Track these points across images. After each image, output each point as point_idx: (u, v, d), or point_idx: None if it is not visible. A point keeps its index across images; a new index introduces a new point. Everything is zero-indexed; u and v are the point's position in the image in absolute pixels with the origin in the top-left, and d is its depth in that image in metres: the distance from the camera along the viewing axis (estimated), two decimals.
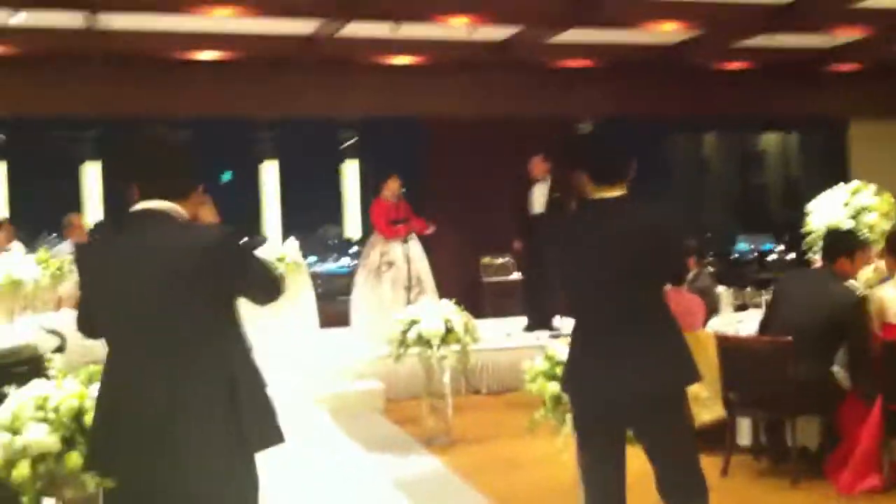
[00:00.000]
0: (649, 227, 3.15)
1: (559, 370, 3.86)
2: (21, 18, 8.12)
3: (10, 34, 8.69)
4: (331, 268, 19.09)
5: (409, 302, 8.58)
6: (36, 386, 3.13)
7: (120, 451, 2.49)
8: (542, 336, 8.92)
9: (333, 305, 11.78)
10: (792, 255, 15.16)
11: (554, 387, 3.84)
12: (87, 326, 2.71)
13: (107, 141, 19.63)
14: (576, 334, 3.28)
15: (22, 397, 3.08)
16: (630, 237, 3.10)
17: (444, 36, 9.40)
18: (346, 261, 19.91)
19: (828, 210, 6.44)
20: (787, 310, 5.28)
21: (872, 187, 6.53)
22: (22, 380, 3.34)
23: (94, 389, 3.10)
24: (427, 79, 10.54)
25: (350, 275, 17.54)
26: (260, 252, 2.76)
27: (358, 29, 8.75)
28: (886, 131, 12.25)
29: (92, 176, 20.32)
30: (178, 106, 10.03)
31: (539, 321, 9.20)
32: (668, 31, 9.34)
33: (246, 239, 2.72)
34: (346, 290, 12.19)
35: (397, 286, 8.82)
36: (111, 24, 8.53)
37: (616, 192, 3.16)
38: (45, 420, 3.01)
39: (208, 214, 2.71)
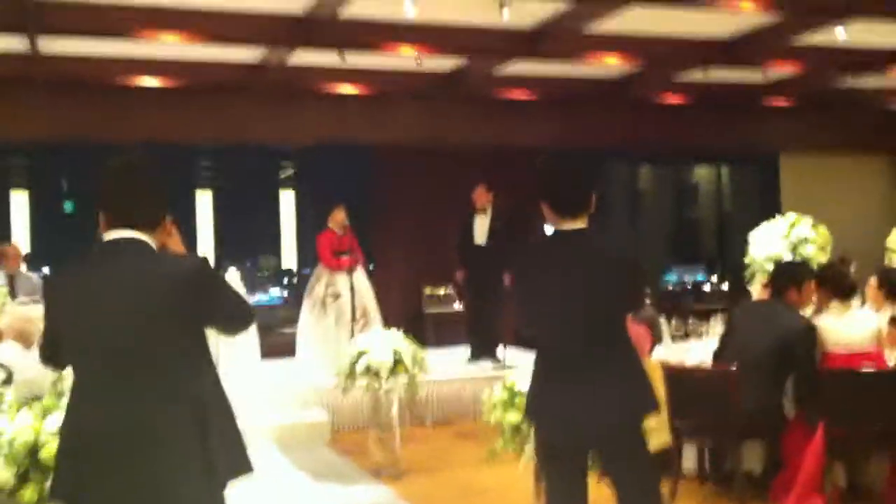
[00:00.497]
0: (613, 260, 3.20)
1: (518, 400, 3.88)
2: None
3: None
4: (263, 299, 18.87)
5: (353, 334, 8.54)
6: None
7: (88, 480, 2.44)
8: (486, 366, 8.95)
9: (272, 337, 11.65)
10: (725, 287, 15.46)
11: (512, 417, 3.85)
12: (52, 356, 2.66)
13: (38, 168, 19.19)
14: (540, 363, 3.29)
15: None
16: (594, 269, 3.15)
17: (392, 66, 9.44)
18: (276, 291, 19.70)
19: (767, 242, 6.59)
20: (741, 339, 5.39)
21: (809, 220, 6.71)
22: None
23: (50, 423, 3.02)
24: (374, 108, 10.56)
25: (284, 306, 17.38)
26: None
27: (305, 57, 8.73)
28: (816, 164, 12.64)
29: (20, 204, 19.82)
30: (119, 131, 9.85)
31: (483, 351, 9.22)
32: (610, 65, 9.52)
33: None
34: (285, 322, 12.06)
35: (342, 318, 8.77)
36: (54, 49, 8.37)
37: (578, 224, 3.20)
38: None
39: (176, 244, 2.68)
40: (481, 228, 9.12)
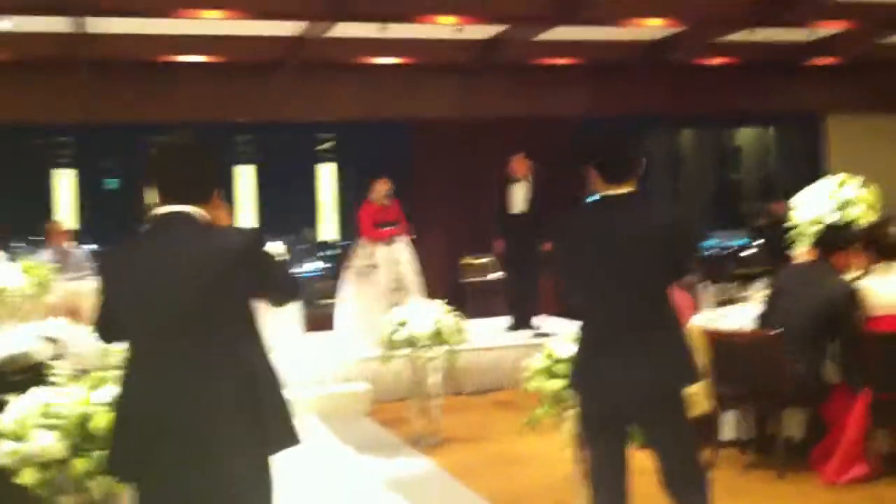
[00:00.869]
0: (662, 225, 3.17)
1: (558, 368, 3.89)
2: (7, 24, 8.04)
3: None
4: (304, 272, 19.04)
5: (392, 305, 8.59)
6: (40, 393, 3.12)
7: (144, 453, 2.50)
8: (525, 335, 8.96)
9: (312, 309, 11.74)
10: (767, 251, 15.24)
11: (553, 384, 3.86)
12: (107, 331, 2.71)
13: (83, 146, 19.47)
14: (585, 331, 3.28)
15: (27, 405, 3.06)
16: (643, 235, 3.12)
17: (430, 35, 9.40)
18: (318, 264, 19.87)
19: (812, 203, 6.47)
20: (786, 303, 5.34)
21: (858, 179, 6.58)
22: (20, 388, 3.32)
23: (99, 396, 3.10)
24: (412, 80, 10.55)
25: (324, 278, 17.51)
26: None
27: (344, 30, 8.73)
28: (863, 126, 12.38)
29: (65, 183, 20.16)
30: (161, 109, 9.97)
31: (522, 320, 9.23)
32: (650, 28, 9.39)
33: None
34: (325, 294, 12.14)
35: (381, 289, 8.82)
36: (97, 29, 8.46)
37: (625, 189, 3.19)
38: (51, 427, 2.99)
39: (225, 218, 2.73)
40: (519, 197, 9.09)
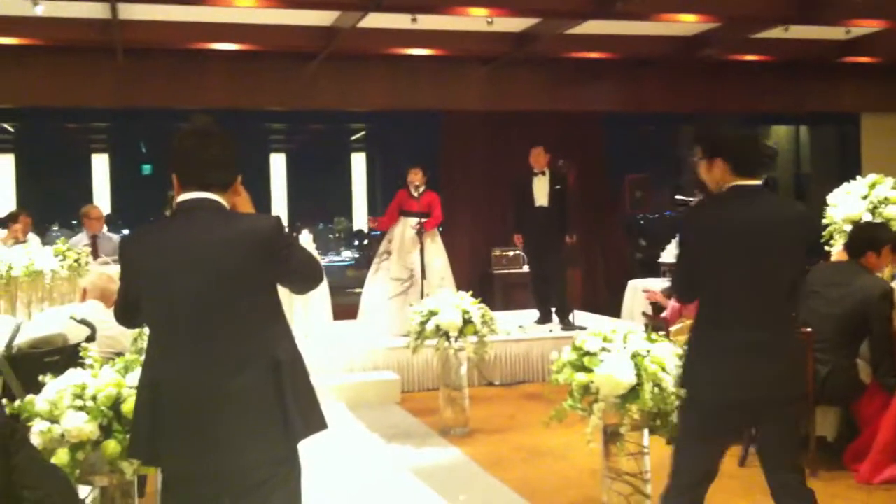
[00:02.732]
0: (794, 218, 3.16)
1: (587, 361, 3.88)
2: (41, 9, 8.13)
3: (28, 25, 8.71)
4: (336, 260, 19.08)
5: (399, 293, 8.62)
6: (73, 375, 3.16)
7: (167, 438, 2.51)
8: (554, 329, 8.95)
9: (343, 297, 11.80)
10: None
11: (581, 377, 3.85)
12: (128, 316, 2.73)
13: (119, 132, 19.67)
14: (709, 324, 3.20)
15: (60, 386, 3.10)
16: (777, 226, 3.11)
17: (462, 27, 9.38)
18: (349, 253, 19.92)
19: (846, 203, 6.41)
20: (815, 302, 5.29)
21: (890, 180, 6.51)
22: (55, 369, 3.37)
23: (132, 378, 3.14)
24: (443, 71, 10.55)
25: (356, 266, 17.57)
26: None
27: (376, 20, 8.74)
28: None
29: (102, 168, 20.37)
30: (194, 96, 10.05)
31: (551, 313, 9.20)
32: (685, 24, 9.32)
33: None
34: (356, 283, 12.18)
35: (390, 276, 8.83)
36: (131, 15, 8.54)
37: (756, 181, 3.17)
38: (83, 409, 3.04)
39: (245, 205, 2.73)
40: (541, 191, 9.02)
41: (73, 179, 20.10)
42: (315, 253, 8.78)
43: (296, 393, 2.53)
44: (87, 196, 18.86)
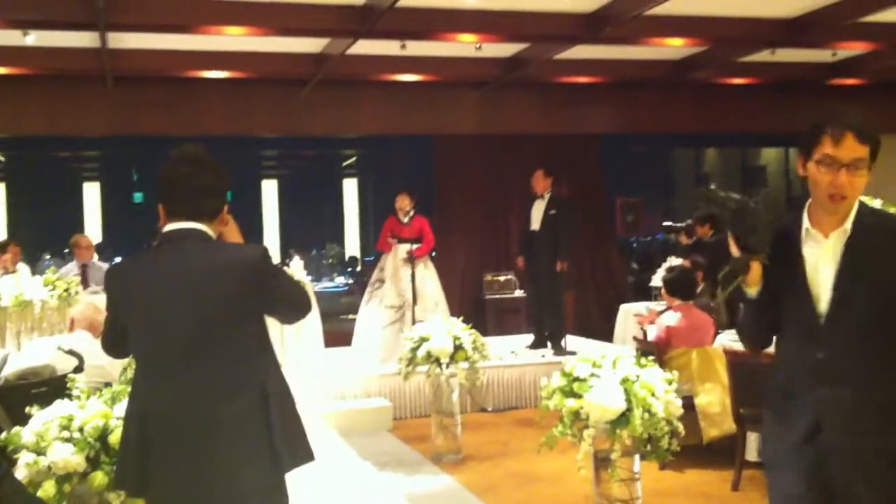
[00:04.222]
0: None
1: (576, 387, 3.88)
2: (31, 38, 8.16)
3: (19, 54, 8.74)
4: (328, 286, 19.07)
5: (394, 321, 8.58)
6: (60, 406, 3.14)
7: (153, 469, 2.50)
8: (547, 354, 8.93)
9: (336, 323, 11.78)
10: None
11: (571, 403, 3.85)
12: (115, 347, 2.72)
13: (110, 160, 19.68)
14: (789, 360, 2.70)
15: (47, 417, 3.08)
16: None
17: (452, 53, 9.44)
18: (341, 280, 19.90)
19: None
20: None
21: (878, 201, 6.53)
22: (42, 400, 3.35)
23: (119, 409, 3.12)
24: (434, 96, 10.59)
25: (349, 293, 17.55)
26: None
27: (366, 47, 8.78)
28: (886, 145, 12.27)
29: (93, 196, 20.36)
30: (185, 124, 10.08)
31: (544, 339, 9.18)
32: (673, 47, 9.39)
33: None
34: (348, 309, 12.18)
35: (384, 304, 8.81)
36: (122, 44, 8.58)
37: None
38: (70, 440, 3.02)
39: (233, 234, 2.71)
40: (537, 214, 9.04)
41: (64, 208, 20.10)
42: (307, 280, 8.78)
43: (283, 424, 2.52)
44: (79, 224, 18.85)
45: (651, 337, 6.32)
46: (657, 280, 9.77)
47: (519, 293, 11.24)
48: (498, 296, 11.56)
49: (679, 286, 6.35)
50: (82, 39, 8.44)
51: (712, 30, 8.80)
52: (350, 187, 22.51)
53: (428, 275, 8.94)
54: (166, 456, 2.48)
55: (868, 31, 9.04)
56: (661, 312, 7.30)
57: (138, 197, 22.33)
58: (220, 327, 2.49)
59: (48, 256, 17.51)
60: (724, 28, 8.78)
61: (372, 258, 20.87)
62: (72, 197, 20.06)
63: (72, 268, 9.00)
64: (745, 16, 8.63)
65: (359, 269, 19.48)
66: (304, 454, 2.56)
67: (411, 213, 8.84)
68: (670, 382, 3.92)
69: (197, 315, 2.48)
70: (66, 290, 7.47)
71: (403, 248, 8.72)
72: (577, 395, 3.85)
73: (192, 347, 2.49)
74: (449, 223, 11.56)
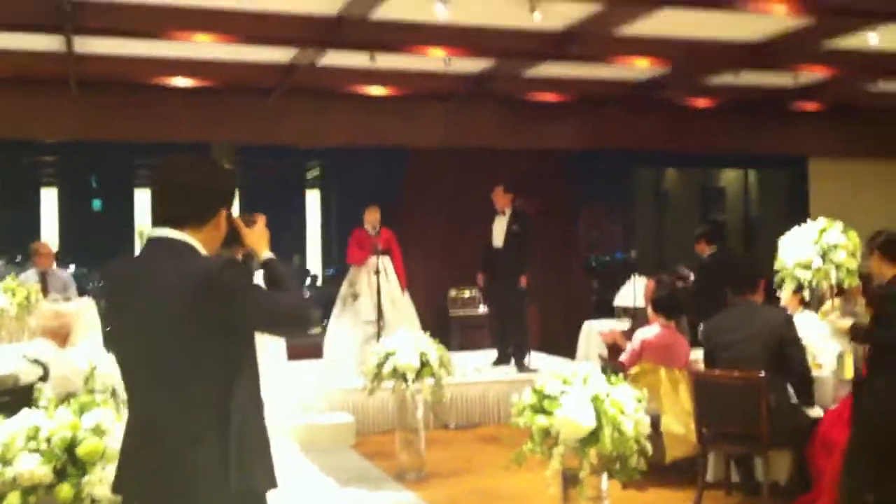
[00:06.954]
0: None
1: (546, 404, 3.88)
2: None
3: None
4: None
5: (371, 335, 8.53)
6: (27, 416, 3.08)
7: (128, 480, 2.48)
8: (510, 370, 8.93)
9: (301, 337, 11.67)
10: None
11: (542, 420, 3.85)
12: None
13: (68, 166, 19.38)
14: None
15: (13, 427, 3.02)
16: None
17: (421, 67, 9.46)
18: (305, 293, 19.76)
19: (796, 247, 6.52)
20: (724, 351, 5.54)
21: (840, 224, 6.64)
22: (6, 410, 3.28)
23: (87, 420, 3.07)
24: (402, 110, 10.58)
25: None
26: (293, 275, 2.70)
27: (335, 59, 8.76)
28: (846, 170, 12.53)
29: (50, 202, 20.03)
30: (149, 131, 9.95)
31: (508, 355, 9.17)
32: (639, 68, 9.49)
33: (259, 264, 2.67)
34: None
35: (360, 318, 8.77)
36: (87, 49, 8.46)
37: None
38: (36, 451, 2.95)
39: (253, 240, 2.64)
40: (499, 231, 9.06)
41: (20, 213, 19.77)
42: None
43: (240, 446, 2.37)
44: (35, 231, 18.51)
45: (622, 357, 6.35)
46: (620, 299, 9.83)
47: (483, 309, 11.24)
48: (462, 311, 11.55)
49: (665, 305, 6.41)
50: (48, 43, 8.32)
51: (678, 51, 8.91)
52: (313, 199, 22.40)
53: (393, 287, 8.94)
54: (136, 470, 2.45)
55: (829, 58, 9.22)
56: (625, 333, 7.35)
57: (97, 204, 22.01)
58: (177, 340, 2.37)
59: (1, 263, 17.18)
60: (689, 50, 8.90)
61: (332, 271, 20.75)
62: (32, 203, 19.73)
63: (31, 275, 8.84)
64: (710, 38, 8.75)
65: (319, 284, 19.34)
66: (267, 481, 2.44)
67: (378, 227, 8.84)
68: (640, 401, 3.94)
69: (156, 327, 2.39)
70: (26, 297, 7.33)
71: (373, 262, 8.70)
72: (548, 412, 3.85)
73: (151, 359, 2.41)
74: (412, 237, 11.53)
